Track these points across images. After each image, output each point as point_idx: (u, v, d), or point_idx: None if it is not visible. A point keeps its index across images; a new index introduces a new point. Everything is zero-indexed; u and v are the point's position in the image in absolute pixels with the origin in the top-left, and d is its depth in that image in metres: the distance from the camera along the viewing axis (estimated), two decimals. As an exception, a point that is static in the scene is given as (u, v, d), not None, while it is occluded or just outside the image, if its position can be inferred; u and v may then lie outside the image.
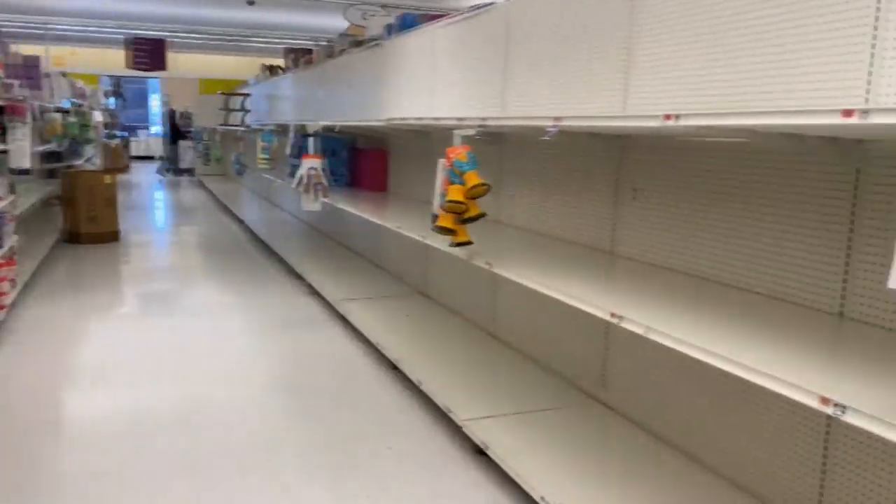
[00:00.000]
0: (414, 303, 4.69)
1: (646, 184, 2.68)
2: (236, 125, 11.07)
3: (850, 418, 1.30)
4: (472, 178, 2.53)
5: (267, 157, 6.36)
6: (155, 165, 18.74)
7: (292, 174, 5.89)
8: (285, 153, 5.79)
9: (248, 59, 21.33)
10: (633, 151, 2.75)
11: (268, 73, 11.68)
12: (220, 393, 3.43)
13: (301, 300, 5.35)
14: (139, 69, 13.47)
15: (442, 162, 2.63)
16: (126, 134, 20.95)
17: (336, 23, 17.84)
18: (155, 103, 25.85)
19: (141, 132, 26.12)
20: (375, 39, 5.77)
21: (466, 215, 2.58)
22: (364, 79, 5.83)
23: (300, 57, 10.28)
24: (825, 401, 1.35)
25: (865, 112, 1.25)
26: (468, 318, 4.19)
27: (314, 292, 5.41)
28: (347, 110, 6.25)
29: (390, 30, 5.69)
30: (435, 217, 2.68)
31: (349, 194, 5.18)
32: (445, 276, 4.53)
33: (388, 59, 5.26)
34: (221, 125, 11.23)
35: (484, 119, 2.68)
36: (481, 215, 2.59)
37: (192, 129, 15.96)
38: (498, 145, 3.74)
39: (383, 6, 8.91)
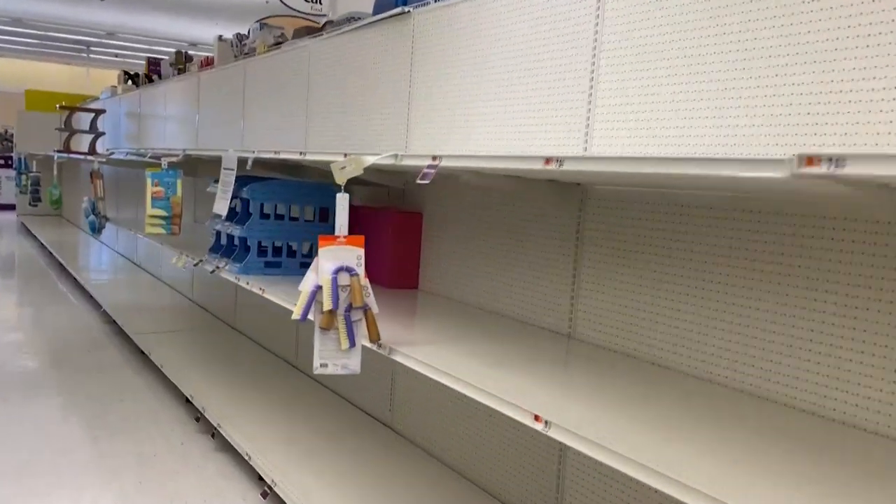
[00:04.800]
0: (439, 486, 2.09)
1: None
2: (83, 153, 7.85)
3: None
4: None
5: (165, 213, 3.49)
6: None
7: (222, 250, 3.11)
8: (214, 211, 3.00)
9: (86, 70, 17.60)
10: None
11: (129, 83, 8.58)
12: None
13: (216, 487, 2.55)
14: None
15: None
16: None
17: (205, 31, 14.77)
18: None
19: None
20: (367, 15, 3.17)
21: None
22: (358, 84, 3.19)
23: (183, 61, 7.41)
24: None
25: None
26: None
27: (237, 459, 2.64)
28: (315, 135, 3.57)
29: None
30: None
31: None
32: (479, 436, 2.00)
33: (422, 46, 2.68)
34: (60, 151, 7.94)
35: None
36: None
37: (11, 155, 12.22)
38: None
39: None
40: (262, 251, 2.98)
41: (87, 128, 8.20)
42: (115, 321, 5.06)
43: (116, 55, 17.67)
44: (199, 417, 3.34)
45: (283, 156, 2.48)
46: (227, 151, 2.90)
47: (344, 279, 1.82)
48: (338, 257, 1.82)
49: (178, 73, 6.94)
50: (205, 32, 14.62)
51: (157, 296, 5.79)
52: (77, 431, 3.27)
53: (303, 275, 3.08)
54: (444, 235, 2.78)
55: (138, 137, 7.06)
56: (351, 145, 3.28)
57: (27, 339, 4.85)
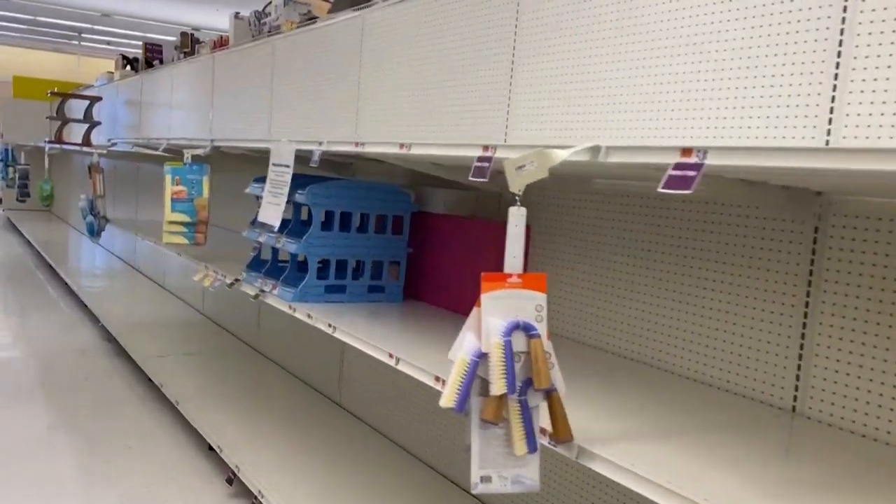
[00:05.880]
0: None
1: None
2: (76, 144, 7.14)
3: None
4: None
5: (189, 218, 2.81)
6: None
7: (265, 268, 2.44)
8: (262, 219, 2.33)
9: (77, 59, 16.86)
10: None
11: (128, 68, 7.87)
12: None
13: None
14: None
15: None
16: None
17: (204, 17, 14.00)
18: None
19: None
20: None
21: None
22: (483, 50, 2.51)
23: (190, 44, 6.73)
24: None
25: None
26: None
27: None
28: (368, 124, 2.89)
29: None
30: None
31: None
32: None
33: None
34: (51, 142, 7.22)
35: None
36: None
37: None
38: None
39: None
40: (319, 271, 2.31)
41: (81, 117, 7.48)
42: (115, 338, 4.37)
43: (109, 42, 16.91)
44: (231, 478, 2.66)
45: (371, 149, 1.81)
46: (279, 142, 2.22)
47: (519, 342, 1.16)
48: (509, 308, 1.16)
49: (185, 58, 6.26)
50: (203, 18, 13.89)
51: (163, 308, 5.10)
52: (71, 492, 2.58)
53: (370, 302, 2.43)
54: (563, 257, 2.12)
55: (139, 127, 6.35)
56: (420, 134, 2.61)
57: (10, 361, 4.15)
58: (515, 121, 2.16)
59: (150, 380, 3.69)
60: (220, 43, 5.41)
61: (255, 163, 4.08)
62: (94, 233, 4.47)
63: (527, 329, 1.16)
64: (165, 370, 3.65)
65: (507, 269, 1.17)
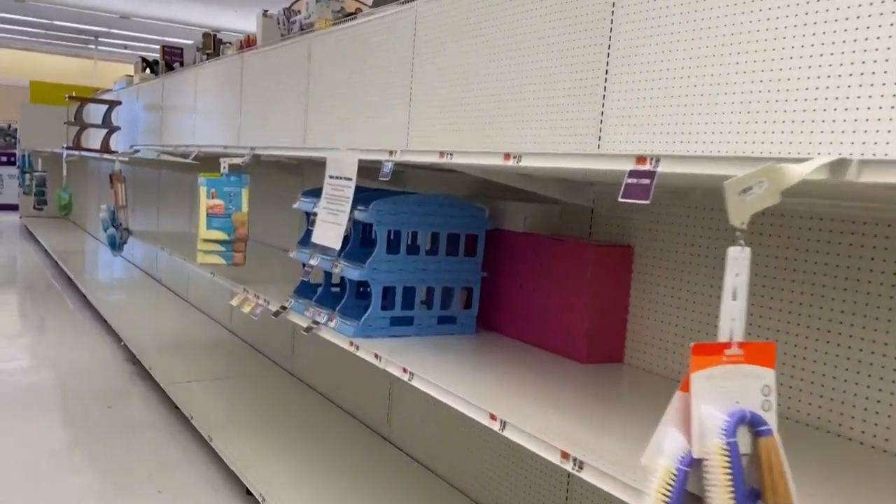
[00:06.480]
0: None
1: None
2: (95, 150, 6.86)
3: None
4: None
5: (226, 235, 2.48)
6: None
7: (316, 295, 2.11)
8: (318, 241, 2.00)
9: (93, 63, 16.65)
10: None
11: (147, 71, 7.59)
12: None
13: None
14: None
15: None
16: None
17: (223, 20, 13.75)
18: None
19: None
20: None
21: None
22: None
23: (213, 45, 6.45)
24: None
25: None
26: None
27: None
28: (421, 131, 2.54)
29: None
30: None
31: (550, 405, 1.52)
32: None
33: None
34: (69, 148, 6.94)
35: None
36: None
37: (14, 152, 11.26)
38: None
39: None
40: (383, 299, 1.98)
41: (100, 122, 7.21)
42: (138, 359, 4.06)
43: (125, 46, 16.69)
44: (277, 535, 2.33)
45: (461, 160, 1.47)
46: (337, 150, 1.89)
47: (743, 441, 0.81)
48: (728, 392, 0.81)
49: (208, 59, 5.96)
50: (222, 20, 13.63)
51: (188, 325, 4.78)
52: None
53: (440, 335, 2.09)
54: (678, 284, 1.77)
55: (160, 132, 6.06)
56: (495, 143, 2.26)
57: (25, 383, 3.84)
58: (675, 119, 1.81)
59: (176, 406, 3.37)
60: (247, 43, 5.11)
61: (284, 168, 3.76)
62: (116, 246, 4.16)
63: (754, 423, 0.81)
64: (194, 398, 3.33)
65: (721, 336, 0.83)
